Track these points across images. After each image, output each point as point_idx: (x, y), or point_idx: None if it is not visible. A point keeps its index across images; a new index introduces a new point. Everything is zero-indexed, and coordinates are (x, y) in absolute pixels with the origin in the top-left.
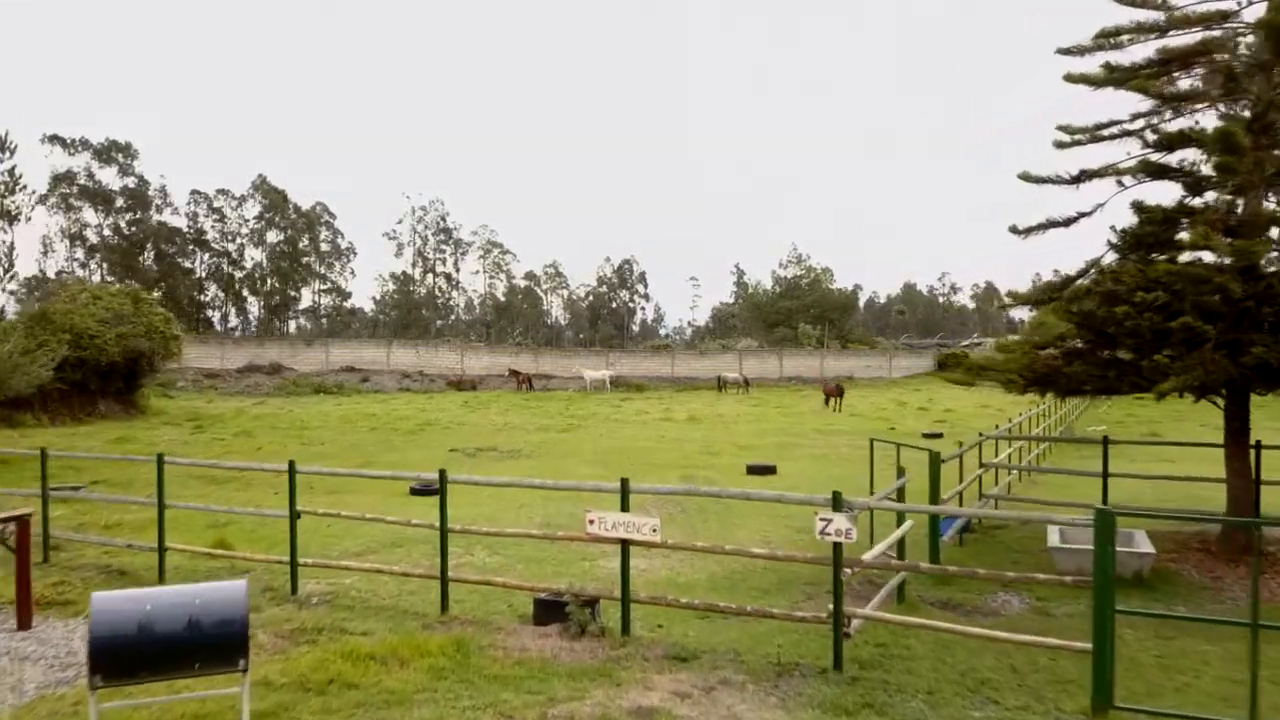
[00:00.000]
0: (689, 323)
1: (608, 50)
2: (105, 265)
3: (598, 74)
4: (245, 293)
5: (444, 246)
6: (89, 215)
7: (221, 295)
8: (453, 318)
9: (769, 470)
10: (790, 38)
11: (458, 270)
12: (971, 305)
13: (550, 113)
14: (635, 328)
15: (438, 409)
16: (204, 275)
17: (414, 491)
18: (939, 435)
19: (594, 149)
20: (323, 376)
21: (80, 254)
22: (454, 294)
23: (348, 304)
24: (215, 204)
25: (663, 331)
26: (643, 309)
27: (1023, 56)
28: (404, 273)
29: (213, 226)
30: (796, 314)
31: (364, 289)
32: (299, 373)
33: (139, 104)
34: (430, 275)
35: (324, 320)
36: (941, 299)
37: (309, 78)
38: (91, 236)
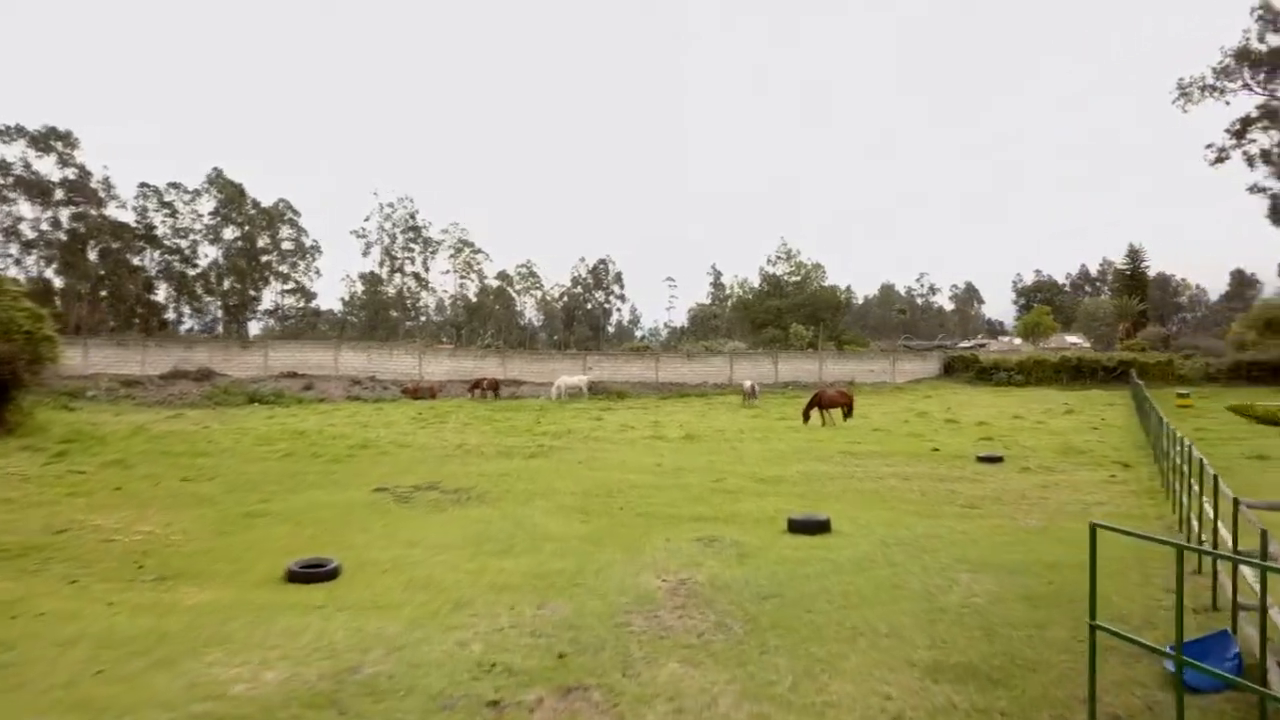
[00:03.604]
0: (665, 324)
1: (602, 50)
2: (43, 261)
3: (587, 73)
4: (201, 292)
5: (413, 245)
6: (24, 209)
7: (174, 294)
8: (422, 319)
9: (821, 527)
10: (790, 38)
11: (427, 270)
12: (950, 306)
13: (524, 112)
14: (611, 329)
15: (384, 423)
16: (154, 273)
17: (293, 577)
18: (999, 459)
19: (568, 150)
20: (259, 383)
21: (14, 249)
22: (424, 294)
23: (313, 304)
24: (166, 198)
25: (639, 333)
26: (619, 310)
27: (1017, 59)
28: (372, 272)
29: (163, 221)
30: (786, 313)
31: (333, 290)
32: (232, 379)
33: (126, 109)
34: (399, 275)
35: (290, 321)
36: (920, 300)
37: (277, 76)
38: (27, 231)
